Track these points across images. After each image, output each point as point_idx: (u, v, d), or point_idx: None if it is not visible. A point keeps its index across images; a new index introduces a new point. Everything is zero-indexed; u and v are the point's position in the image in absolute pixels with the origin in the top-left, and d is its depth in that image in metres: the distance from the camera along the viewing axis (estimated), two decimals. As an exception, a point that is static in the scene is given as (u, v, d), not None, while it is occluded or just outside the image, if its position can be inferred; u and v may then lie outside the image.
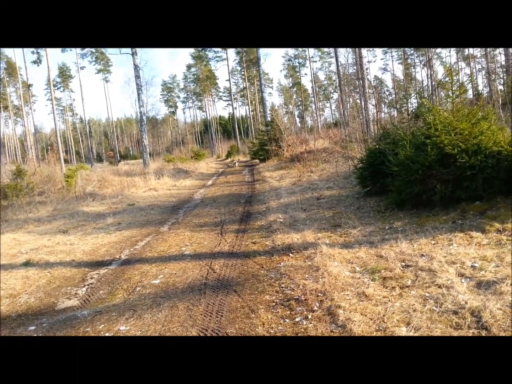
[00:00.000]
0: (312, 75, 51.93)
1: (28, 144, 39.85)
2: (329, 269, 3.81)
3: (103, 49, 47.23)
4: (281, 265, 4.33)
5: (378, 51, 57.10)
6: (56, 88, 50.96)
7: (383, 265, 3.77)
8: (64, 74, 51.87)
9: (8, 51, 37.59)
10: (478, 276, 3.16)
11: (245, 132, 57.57)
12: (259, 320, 3.02)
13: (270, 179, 14.05)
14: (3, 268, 5.24)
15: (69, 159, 48.61)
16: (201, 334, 2.88)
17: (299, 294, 3.42)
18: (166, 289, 4.02)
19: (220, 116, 64.70)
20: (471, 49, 43.28)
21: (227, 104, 64.00)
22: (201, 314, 3.26)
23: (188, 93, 62.33)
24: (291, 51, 55.29)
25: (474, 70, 41.81)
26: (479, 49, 43.42)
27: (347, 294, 3.24)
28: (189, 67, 56.88)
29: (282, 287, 3.68)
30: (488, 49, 35.45)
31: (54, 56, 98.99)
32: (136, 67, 21.16)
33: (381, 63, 66.09)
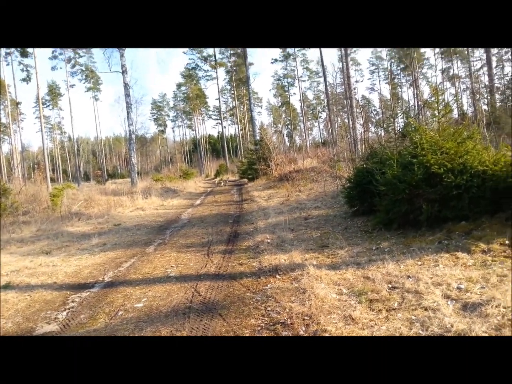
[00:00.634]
0: (301, 95, 52.71)
1: (15, 163, 39.39)
2: (316, 291, 3.76)
3: (93, 68, 47.46)
4: (267, 287, 4.27)
5: (366, 71, 58.32)
6: (45, 106, 50.75)
7: (369, 287, 3.74)
8: (54, 92, 51.71)
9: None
10: (464, 298, 3.14)
11: (234, 151, 57.82)
12: (243, 346, 2.94)
13: (258, 199, 14.03)
14: (-19, 291, 5.07)
15: (55, 178, 48.03)
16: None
17: (285, 318, 3.35)
18: (149, 313, 3.91)
19: (209, 135, 64.89)
20: (455, 70, 44.58)
21: (217, 123, 64.37)
22: (184, 340, 3.17)
23: (178, 111, 62.71)
24: (280, 70, 56.29)
25: (459, 90, 42.91)
26: (463, 69, 44.73)
27: (334, 318, 3.19)
28: (179, 85, 57.32)
29: (268, 310, 3.61)
30: (472, 69, 36.50)
31: (44, 74, 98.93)
32: (126, 85, 21.26)
33: (368, 83, 67.38)
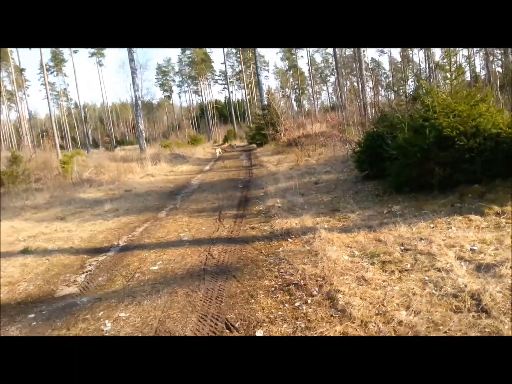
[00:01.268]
0: (309, 58, 51.35)
1: (23, 130, 39.45)
2: (328, 253, 3.80)
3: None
4: (280, 250, 4.33)
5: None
6: (49, 72, 50.05)
7: (382, 249, 3.77)
8: (57, 58, 50.81)
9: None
10: (477, 259, 3.16)
11: (242, 116, 57.09)
12: (258, 306, 3.02)
13: (267, 164, 13.99)
14: (1, 256, 5.22)
15: (64, 145, 48.13)
16: (201, 320, 2.89)
17: (298, 279, 3.42)
18: (165, 275, 4.02)
19: (216, 100, 63.88)
20: (469, 30, 42.67)
21: (223, 88, 63.40)
22: (200, 300, 3.26)
23: (183, 76, 61.50)
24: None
25: (472, 52, 41.36)
26: (477, 29, 42.83)
27: (346, 279, 3.24)
28: (183, 50, 56.07)
29: (281, 272, 3.67)
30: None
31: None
32: (129, 50, 20.79)
33: (378, 45, 65.17)
